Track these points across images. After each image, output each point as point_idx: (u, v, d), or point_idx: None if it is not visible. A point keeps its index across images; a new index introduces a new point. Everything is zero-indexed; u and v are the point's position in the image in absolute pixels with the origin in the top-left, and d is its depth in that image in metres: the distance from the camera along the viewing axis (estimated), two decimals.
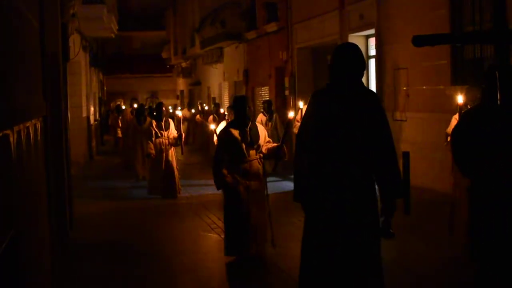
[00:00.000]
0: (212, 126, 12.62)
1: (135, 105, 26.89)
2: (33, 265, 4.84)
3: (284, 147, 9.65)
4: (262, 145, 9.72)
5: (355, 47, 6.24)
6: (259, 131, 9.78)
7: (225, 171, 9.48)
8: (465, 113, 6.86)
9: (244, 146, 9.51)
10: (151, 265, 9.67)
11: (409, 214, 11.02)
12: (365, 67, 6.20)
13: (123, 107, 28.46)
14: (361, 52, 6.19)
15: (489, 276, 6.21)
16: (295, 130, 14.39)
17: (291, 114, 10.81)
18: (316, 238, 5.99)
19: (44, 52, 7.03)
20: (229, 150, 9.55)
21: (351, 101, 5.97)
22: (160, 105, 17.00)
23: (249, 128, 9.65)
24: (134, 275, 9.20)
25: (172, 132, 16.14)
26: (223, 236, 11.17)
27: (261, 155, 9.72)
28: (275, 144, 9.86)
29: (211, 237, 11.41)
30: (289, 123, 10.32)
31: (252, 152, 9.59)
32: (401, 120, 15.21)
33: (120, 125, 26.75)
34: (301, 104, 13.98)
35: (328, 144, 5.93)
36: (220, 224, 12.11)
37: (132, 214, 14.25)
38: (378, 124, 5.94)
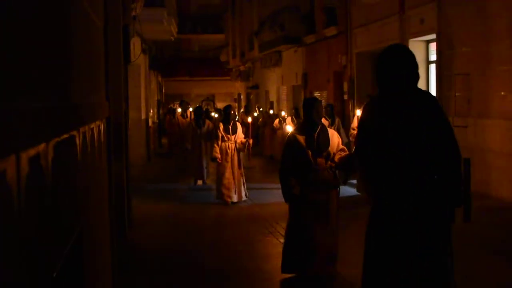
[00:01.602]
0: (288, 128, 11.99)
1: (190, 108, 26.60)
2: (95, 262, 4.88)
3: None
4: (334, 153, 8.80)
5: (405, 48, 6.01)
6: (331, 137, 8.84)
7: (292, 180, 8.61)
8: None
9: (310, 153, 8.65)
10: (207, 267, 9.68)
11: (469, 221, 10.76)
12: (418, 69, 5.86)
13: (179, 109, 28.27)
14: (412, 54, 5.89)
15: None
16: (352, 139, 14.22)
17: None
18: (384, 252, 5.66)
19: (108, 53, 7.09)
20: (294, 157, 8.70)
21: (411, 106, 5.66)
22: (228, 107, 16.50)
23: (318, 134, 8.76)
24: (192, 278, 9.21)
25: (240, 136, 15.70)
26: (281, 240, 11.14)
27: (332, 164, 8.78)
28: (348, 154, 8.87)
29: (270, 241, 11.36)
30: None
31: (321, 160, 8.69)
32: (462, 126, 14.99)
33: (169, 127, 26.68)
34: (358, 111, 13.62)
35: (391, 153, 5.61)
36: (279, 228, 12.06)
37: (188, 217, 14.18)
38: (442, 129, 5.62)
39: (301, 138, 8.71)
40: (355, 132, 13.51)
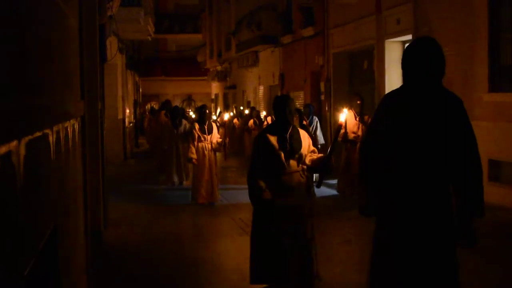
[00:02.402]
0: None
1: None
2: (69, 260, 4.87)
3: (332, 159, 7.90)
4: (306, 155, 8.12)
5: (433, 41, 5.50)
6: (302, 138, 8.14)
7: (262, 184, 7.79)
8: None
9: (282, 155, 7.92)
10: (182, 267, 9.68)
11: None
12: (445, 65, 5.40)
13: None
14: (441, 48, 5.46)
15: None
16: (338, 138, 14.09)
17: (342, 119, 8.65)
18: (393, 260, 5.33)
19: (83, 52, 7.07)
20: (265, 159, 7.94)
21: (431, 106, 5.24)
22: (203, 107, 16.16)
23: (290, 134, 8.05)
24: (165, 277, 9.21)
25: (215, 136, 15.47)
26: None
27: (304, 167, 8.10)
28: (321, 155, 8.19)
29: (245, 239, 11.38)
30: (338, 130, 8.21)
31: (293, 162, 7.98)
32: None
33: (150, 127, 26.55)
34: (345, 110, 13.27)
35: (405, 155, 5.23)
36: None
37: (165, 217, 14.09)
38: (462, 132, 5.23)
39: (272, 139, 7.97)
40: (342, 131, 13.50)
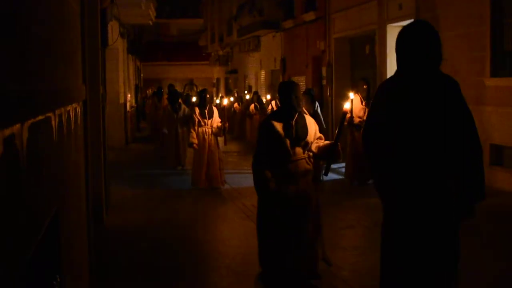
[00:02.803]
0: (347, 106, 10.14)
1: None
2: (71, 244, 4.88)
3: (339, 145, 7.70)
4: (312, 142, 7.94)
5: (429, 25, 5.37)
6: (308, 125, 7.95)
7: (268, 174, 7.69)
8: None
9: (288, 142, 7.76)
10: (183, 252, 9.69)
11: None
12: (441, 48, 5.28)
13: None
14: (436, 31, 5.34)
15: None
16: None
17: (346, 106, 8.13)
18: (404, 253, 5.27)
19: (84, 36, 7.06)
20: (270, 146, 7.79)
21: (430, 89, 5.16)
22: (204, 91, 15.99)
23: (296, 121, 7.87)
24: (167, 262, 9.22)
25: (216, 120, 15.26)
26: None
27: (310, 154, 7.94)
28: (327, 142, 7.97)
29: (247, 224, 11.38)
30: (344, 115, 7.77)
31: (299, 150, 7.82)
32: None
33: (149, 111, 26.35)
34: (351, 95, 13.00)
35: (406, 140, 5.15)
36: (255, 212, 12.08)
37: (166, 201, 14.10)
38: (462, 115, 5.16)
39: (278, 126, 7.79)
40: (348, 116, 13.42)
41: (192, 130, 15.13)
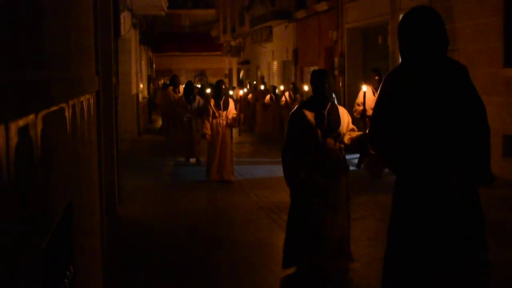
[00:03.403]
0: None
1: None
2: (85, 236, 4.89)
3: None
4: (344, 134, 7.68)
5: (432, 10, 5.18)
6: (341, 115, 7.69)
7: (298, 164, 7.46)
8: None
9: (319, 132, 7.49)
10: (197, 244, 9.70)
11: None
12: (447, 33, 5.08)
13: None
14: (440, 16, 5.15)
15: None
16: (356, 115, 13.85)
17: (360, 95, 7.78)
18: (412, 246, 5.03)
19: (97, 27, 7.06)
20: (301, 137, 7.52)
21: (434, 77, 4.94)
22: (220, 82, 15.85)
23: (328, 111, 7.60)
24: (179, 253, 9.22)
25: (231, 112, 15.05)
26: (272, 215, 11.15)
27: (342, 146, 7.66)
28: (360, 133, 7.74)
29: (260, 214, 11.38)
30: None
31: (330, 141, 7.54)
32: None
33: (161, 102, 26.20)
34: (364, 87, 12.94)
35: (416, 133, 4.91)
36: (268, 203, 12.09)
37: (179, 193, 14.08)
38: (472, 105, 4.95)
39: (309, 115, 7.51)
40: (360, 108, 13.37)
41: (206, 121, 14.98)
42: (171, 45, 55.22)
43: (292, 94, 23.07)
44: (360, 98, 14.05)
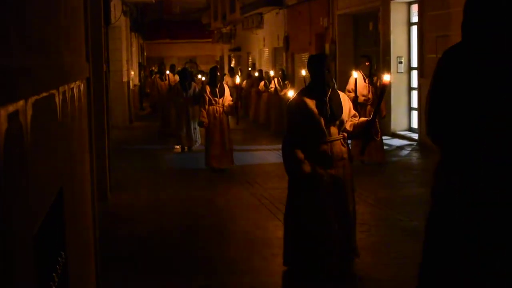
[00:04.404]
0: (290, 93, 8.84)
1: (167, 71, 25.43)
2: (76, 223, 4.88)
3: (377, 122, 7.20)
4: (346, 121, 7.33)
5: None
6: (343, 101, 7.31)
7: (300, 155, 7.05)
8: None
9: (322, 121, 7.13)
10: (190, 232, 9.70)
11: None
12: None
13: (167, 72, 26.59)
14: None
15: None
16: None
17: (386, 78, 7.21)
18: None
19: (87, 14, 7.03)
20: (303, 126, 7.18)
21: (506, 60, 4.12)
22: (214, 69, 15.67)
23: (329, 98, 7.22)
24: (173, 242, 9.22)
25: (227, 99, 14.88)
26: (264, 202, 11.14)
27: (345, 134, 7.34)
28: (363, 119, 7.43)
29: (255, 202, 11.37)
30: (383, 90, 7.29)
31: (334, 129, 7.20)
32: None
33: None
34: (355, 73, 12.86)
35: (484, 121, 4.10)
36: (267, 193, 12.03)
37: (173, 181, 14.09)
38: None
39: (311, 103, 7.14)
40: (351, 95, 13.35)
41: (202, 109, 14.79)
42: (162, 32, 55.03)
43: (281, 80, 23.00)
44: (351, 85, 14.05)
